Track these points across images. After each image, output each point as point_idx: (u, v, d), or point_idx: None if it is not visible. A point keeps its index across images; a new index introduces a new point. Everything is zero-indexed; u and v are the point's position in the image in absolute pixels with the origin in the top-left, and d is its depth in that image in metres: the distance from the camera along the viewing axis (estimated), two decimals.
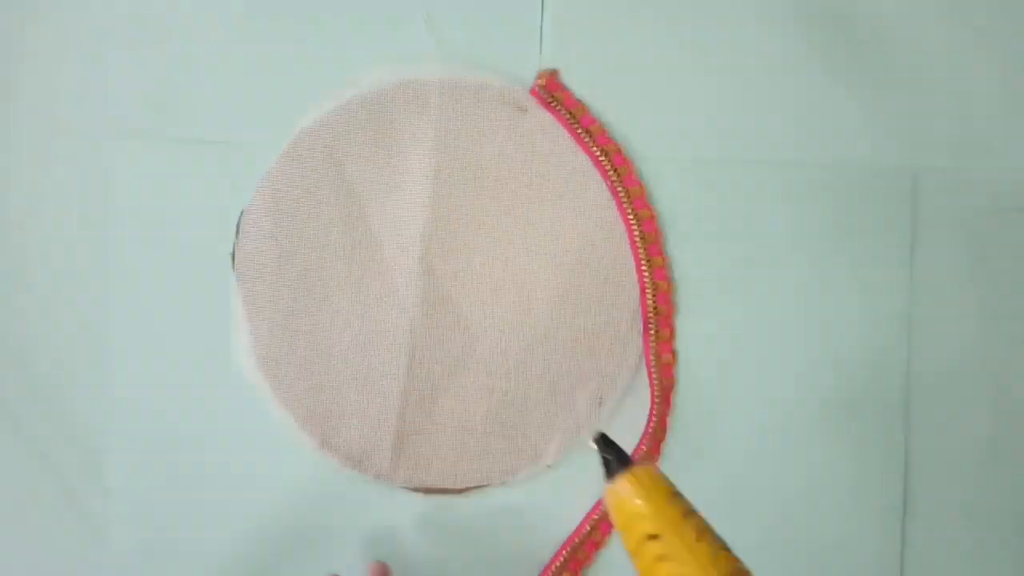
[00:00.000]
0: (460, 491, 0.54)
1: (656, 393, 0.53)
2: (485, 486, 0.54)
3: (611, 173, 0.54)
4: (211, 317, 0.54)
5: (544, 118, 0.54)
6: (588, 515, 0.54)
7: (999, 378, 0.54)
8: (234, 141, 0.54)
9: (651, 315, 0.54)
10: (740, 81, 0.54)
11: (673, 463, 0.53)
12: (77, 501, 0.54)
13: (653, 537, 0.39)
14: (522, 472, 0.54)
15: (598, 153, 0.54)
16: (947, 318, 0.54)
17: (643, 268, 0.54)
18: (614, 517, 0.41)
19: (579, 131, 0.54)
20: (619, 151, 0.54)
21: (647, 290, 0.54)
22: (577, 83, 0.54)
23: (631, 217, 0.53)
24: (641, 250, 0.53)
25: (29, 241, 0.54)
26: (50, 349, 0.54)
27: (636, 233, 0.54)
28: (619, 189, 0.54)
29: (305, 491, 0.54)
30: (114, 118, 0.54)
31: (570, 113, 0.54)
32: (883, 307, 0.54)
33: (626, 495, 0.40)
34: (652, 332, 0.53)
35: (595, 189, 0.54)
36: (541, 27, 0.54)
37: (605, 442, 0.42)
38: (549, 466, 0.54)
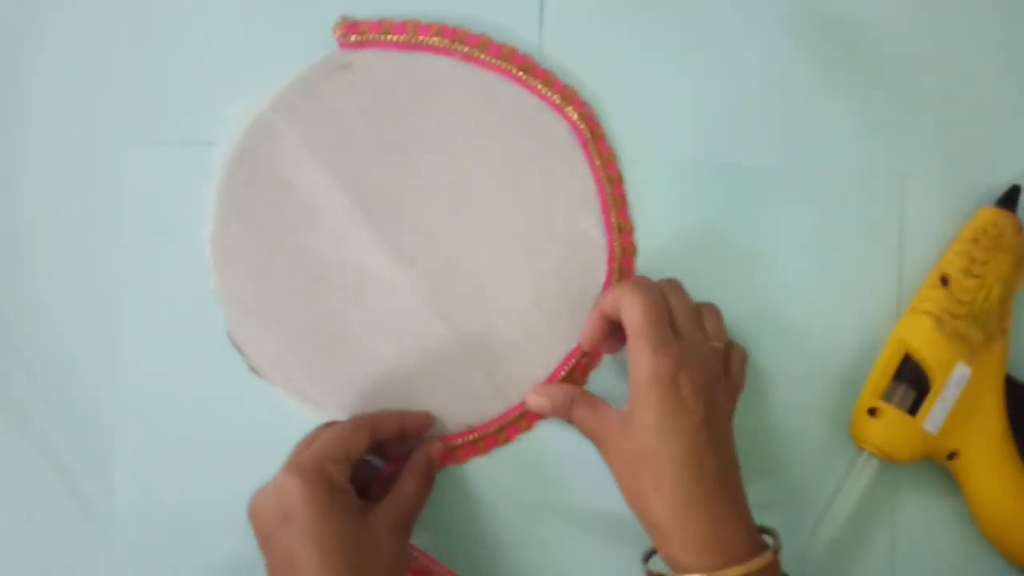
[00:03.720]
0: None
1: None
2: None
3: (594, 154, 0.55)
4: (219, 317, 0.55)
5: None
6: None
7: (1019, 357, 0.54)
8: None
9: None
10: (728, 85, 0.55)
11: None
12: (84, 500, 0.55)
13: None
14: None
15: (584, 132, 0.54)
16: None
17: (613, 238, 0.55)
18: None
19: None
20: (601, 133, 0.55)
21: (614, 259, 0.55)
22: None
23: (604, 183, 0.54)
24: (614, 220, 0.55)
25: (38, 243, 0.55)
26: (58, 349, 0.55)
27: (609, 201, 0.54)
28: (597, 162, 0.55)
29: None
30: (123, 122, 0.55)
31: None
32: (872, 310, 0.55)
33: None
34: None
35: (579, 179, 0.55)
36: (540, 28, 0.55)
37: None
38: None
